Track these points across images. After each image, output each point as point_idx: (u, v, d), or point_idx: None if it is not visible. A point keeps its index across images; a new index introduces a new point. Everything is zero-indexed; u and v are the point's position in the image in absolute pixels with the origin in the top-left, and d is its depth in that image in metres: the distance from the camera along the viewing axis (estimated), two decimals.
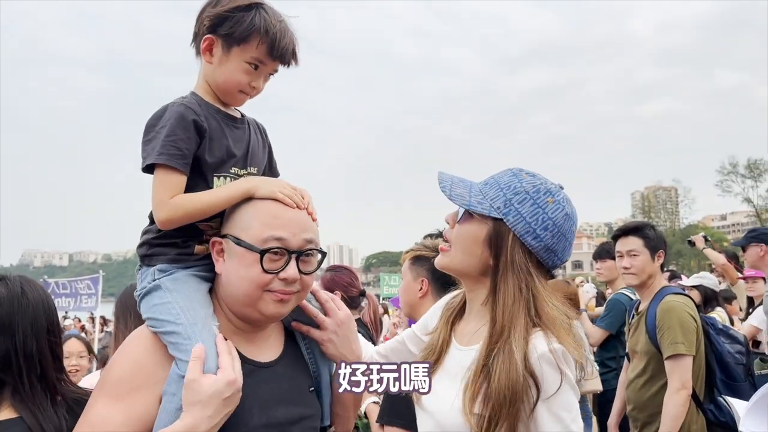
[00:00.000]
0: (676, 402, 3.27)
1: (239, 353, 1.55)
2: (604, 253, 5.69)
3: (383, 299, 22.42)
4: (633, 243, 3.70)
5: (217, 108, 1.73)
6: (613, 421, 4.12)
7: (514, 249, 1.56)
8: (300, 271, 1.55)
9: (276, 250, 1.51)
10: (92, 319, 18.93)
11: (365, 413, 2.87)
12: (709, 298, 6.16)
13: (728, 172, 76.43)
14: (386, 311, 15.04)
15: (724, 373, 3.42)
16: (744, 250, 5.28)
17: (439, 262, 1.71)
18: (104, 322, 16.58)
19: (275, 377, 1.62)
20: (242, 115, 1.82)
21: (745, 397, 3.36)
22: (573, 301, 4.84)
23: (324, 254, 1.64)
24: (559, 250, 1.60)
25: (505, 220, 1.57)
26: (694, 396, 3.38)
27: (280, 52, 1.68)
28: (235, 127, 1.75)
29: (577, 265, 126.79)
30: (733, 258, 7.44)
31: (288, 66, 1.75)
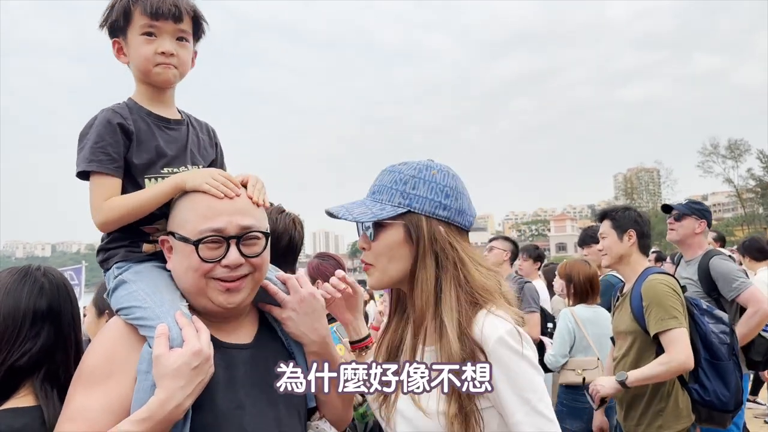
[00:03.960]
0: (667, 363, 3.31)
1: (214, 338, 1.57)
2: (588, 239, 5.75)
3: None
4: (603, 227, 3.85)
5: (149, 111, 1.78)
6: (597, 404, 4.13)
7: (431, 229, 1.59)
8: (245, 255, 1.57)
9: (213, 238, 1.54)
10: None
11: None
12: None
13: (709, 153, 77.27)
14: (372, 297, 15.06)
15: (709, 352, 3.44)
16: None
17: (371, 283, 1.68)
18: None
19: (251, 359, 1.64)
20: (182, 117, 1.87)
21: (729, 376, 3.41)
22: (592, 284, 4.71)
23: (268, 235, 1.65)
24: (466, 208, 1.65)
25: (411, 209, 1.60)
26: (680, 376, 3.42)
27: (156, 7, 1.71)
28: (167, 128, 1.79)
29: (561, 247, 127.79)
30: (720, 240, 7.50)
31: (181, 21, 1.75)
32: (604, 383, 3.57)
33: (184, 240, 1.55)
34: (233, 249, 1.55)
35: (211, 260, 1.54)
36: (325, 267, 3.38)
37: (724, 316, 3.62)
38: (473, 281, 1.57)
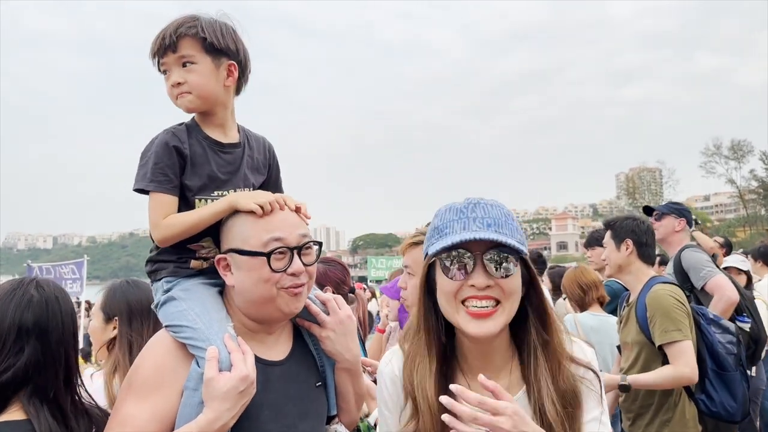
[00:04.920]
0: (672, 376, 3.31)
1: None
2: (593, 241, 5.76)
3: (370, 281, 22.46)
4: (605, 236, 3.89)
5: (206, 134, 1.87)
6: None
7: (530, 269, 1.57)
8: (304, 264, 1.69)
9: (280, 249, 1.65)
10: (78, 303, 18.81)
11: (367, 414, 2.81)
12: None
13: (712, 154, 77.06)
14: (373, 295, 15.02)
15: (715, 363, 3.42)
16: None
17: (495, 328, 1.50)
18: (90, 306, 16.36)
19: (285, 375, 1.77)
20: (239, 139, 1.93)
21: (736, 386, 3.38)
22: (582, 288, 4.66)
23: (320, 244, 1.79)
24: None
25: (525, 246, 1.54)
26: (686, 386, 3.39)
27: (154, 47, 1.84)
28: (222, 152, 1.88)
29: (562, 246, 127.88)
30: (726, 246, 7.49)
31: (176, 48, 1.81)
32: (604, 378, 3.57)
33: (254, 254, 1.65)
34: (296, 258, 1.68)
35: (280, 270, 1.65)
36: (333, 273, 3.43)
37: (731, 326, 3.59)
38: (550, 311, 1.61)
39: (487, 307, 1.48)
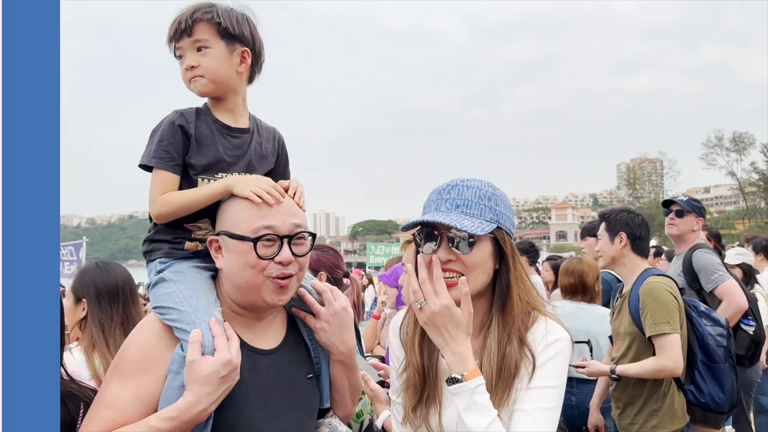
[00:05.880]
0: (655, 369, 3.37)
1: (242, 340, 1.67)
2: (585, 232, 5.85)
3: (369, 268, 22.53)
4: (600, 228, 3.90)
5: (216, 118, 1.89)
6: (595, 402, 4.16)
7: (510, 245, 1.70)
8: (294, 254, 1.66)
9: (268, 236, 1.63)
10: None
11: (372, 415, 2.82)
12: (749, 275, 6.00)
13: (713, 146, 76.83)
14: (371, 281, 15.06)
15: (705, 354, 3.46)
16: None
17: (456, 297, 1.64)
18: None
19: (274, 364, 1.74)
20: (249, 125, 1.94)
21: (725, 378, 3.43)
22: (575, 279, 4.62)
23: (314, 235, 1.75)
24: None
25: (500, 225, 1.68)
26: (676, 377, 3.43)
27: (170, 31, 1.86)
28: (231, 136, 1.89)
29: (562, 235, 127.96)
30: (715, 237, 7.51)
31: (191, 33, 1.83)
32: (592, 365, 3.73)
33: (242, 238, 1.64)
34: (285, 247, 1.65)
35: (267, 257, 1.63)
36: (326, 258, 3.43)
37: (722, 318, 3.64)
38: (530, 293, 1.73)
39: (452, 277, 1.65)
